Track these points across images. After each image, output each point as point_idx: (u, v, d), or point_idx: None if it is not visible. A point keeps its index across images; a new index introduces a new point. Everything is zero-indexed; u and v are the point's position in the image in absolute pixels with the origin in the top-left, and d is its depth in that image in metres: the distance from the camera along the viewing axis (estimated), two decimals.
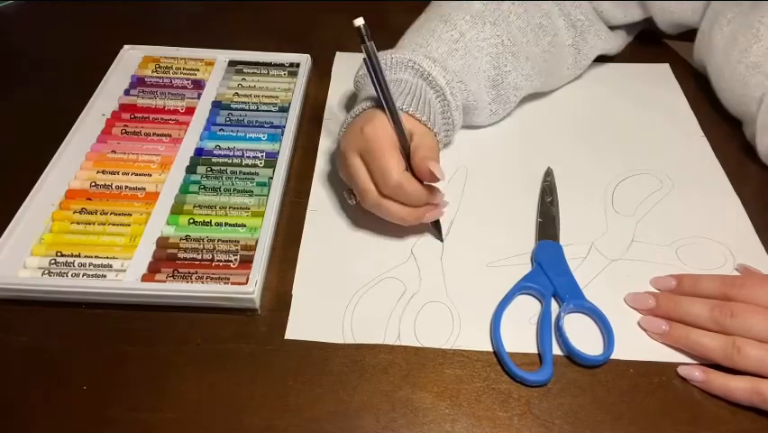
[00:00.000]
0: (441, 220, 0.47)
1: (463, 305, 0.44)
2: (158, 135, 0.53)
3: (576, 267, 0.46)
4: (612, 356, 0.41)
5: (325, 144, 0.55)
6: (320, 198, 0.51)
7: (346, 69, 0.61)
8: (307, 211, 0.50)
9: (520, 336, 0.42)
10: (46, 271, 0.43)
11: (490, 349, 0.41)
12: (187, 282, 0.43)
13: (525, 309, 0.44)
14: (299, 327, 0.42)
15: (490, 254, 0.47)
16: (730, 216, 0.50)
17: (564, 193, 0.51)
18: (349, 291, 0.44)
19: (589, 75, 0.62)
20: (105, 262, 0.44)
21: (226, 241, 0.45)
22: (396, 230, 0.47)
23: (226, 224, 0.47)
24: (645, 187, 0.52)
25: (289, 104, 0.56)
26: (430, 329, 0.42)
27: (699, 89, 0.60)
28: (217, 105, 0.56)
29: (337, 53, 0.64)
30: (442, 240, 0.47)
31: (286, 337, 0.42)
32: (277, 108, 0.56)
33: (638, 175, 0.53)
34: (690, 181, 0.52)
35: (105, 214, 0.47)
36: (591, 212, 0.50)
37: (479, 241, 0.48)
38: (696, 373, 0.39)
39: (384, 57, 0.49)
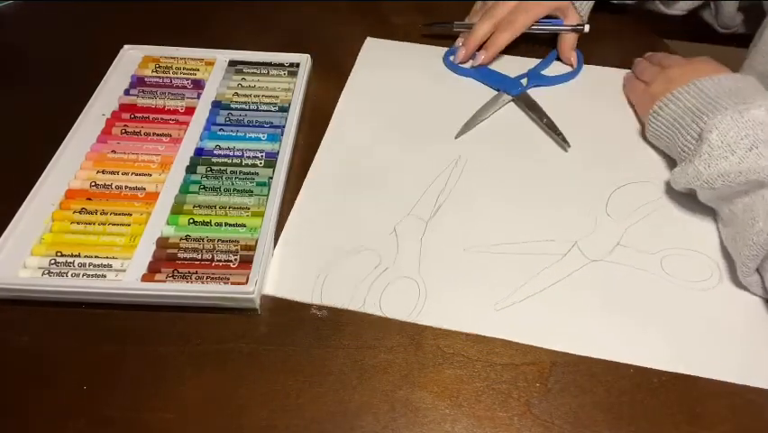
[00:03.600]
0: (427, 205, 0.50)
1: (432, 283, 0.45)
2: (158, 135, 0.53)
3: (553, 263, 0.46)
4: (612, 357, 0.41)
5: (338, 117, 0.57)
6: (322, 166, 0.53)
7: (374, 54, 0.64)
8: (305, 181, 0.51)
9: None
10: (46, 271, 0.43)
11: (449, 328, 0.42)
12: (187, 282, 0.43)
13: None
14: (276, 284, 0.44)
15: (470, 240, 0.48)
16: None
17: (560, 193, 0.51)
18: (327, 256, 0.46)
19: (605, 80, 0.61)
20: (105, 262, 0.44)
21: (226, 241, 0.45)
22: (384, 207, 0.50)
23: (226, 224, 0.47)
24: (644, 195, 0.51)
25: (289, 104, 0.56)
26: (395, 301, 0.44)
27: None
28: (217, 105, 0.56)
29: (368, 38, 0.65)
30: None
31: (264, 293, 0.43)
32: (277, 108, 0.56)
33: (639, 183, 0.52)
34: (691, 195, 0.51)
35: (105, 214, 0.47)
36: (582, 213, 0.50)
37: (461, 227, 0.48)
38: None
39: None
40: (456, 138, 0.55)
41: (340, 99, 0.59)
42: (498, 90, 0.60)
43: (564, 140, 0.55)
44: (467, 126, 0.56)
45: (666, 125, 0.51)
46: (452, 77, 0.62)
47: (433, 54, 0.64)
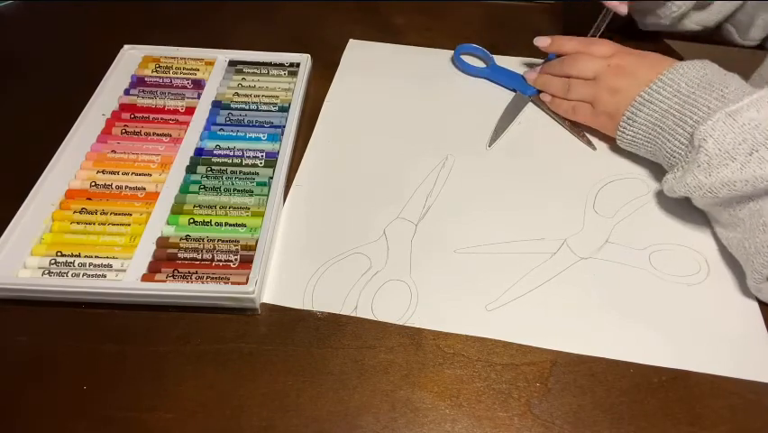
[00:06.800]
0: (416, 207, 0.50)
1: (423, 285, 0.45)
2: (158, 135, 0.53)
3: (543, 262, 0.46)
4: (612, 356, 0.41)
5: (324, 121, 0.57)
6: (307, 173, 0.52)
7: (357, 55, 0.64)
8: (293, 186, 0.51)
9: None
10: (46, 271, 0.43)
11: (440, 329, 0.42)
12: (188, 282, 0.43)
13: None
14: (267, 291, 0.44)
15: (460, 241, 0.48)
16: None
17: (547, 191, 0.51)
18: (317, 263, 0.46)
19: None
20: (105, 262, 0.44)
21: (226, 241, 0.45)
22: (372, 210, 0.49)
23: (226, 224, 0.47)
24: (630, 191, 0.51)
25: (289, 104, 0.56)
26: (387, 305, 0.44)
27: None
28: (217, 105, 0.56)
29: (350, 40, 0.65)
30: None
31: (263, 302, 0.43)
32: (277, 108, 0.56)
33: (625, 179, 0.52)
34: None
35: (105, 214, 0.47)
36: (570, 211, 0.50)
37: (451, 228, 0.48)
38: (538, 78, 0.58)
39: None
40: (489, 146, 0.55)
41: (324, 104, 0.58)
42: (514, 91, 0.59)
43: (589, 142, 0.55)
44: (496, 133, 0.56)
45: (645, 131, 0.50)
46: (437, 77, 0.61)
47: (417, 55, 0.63)
